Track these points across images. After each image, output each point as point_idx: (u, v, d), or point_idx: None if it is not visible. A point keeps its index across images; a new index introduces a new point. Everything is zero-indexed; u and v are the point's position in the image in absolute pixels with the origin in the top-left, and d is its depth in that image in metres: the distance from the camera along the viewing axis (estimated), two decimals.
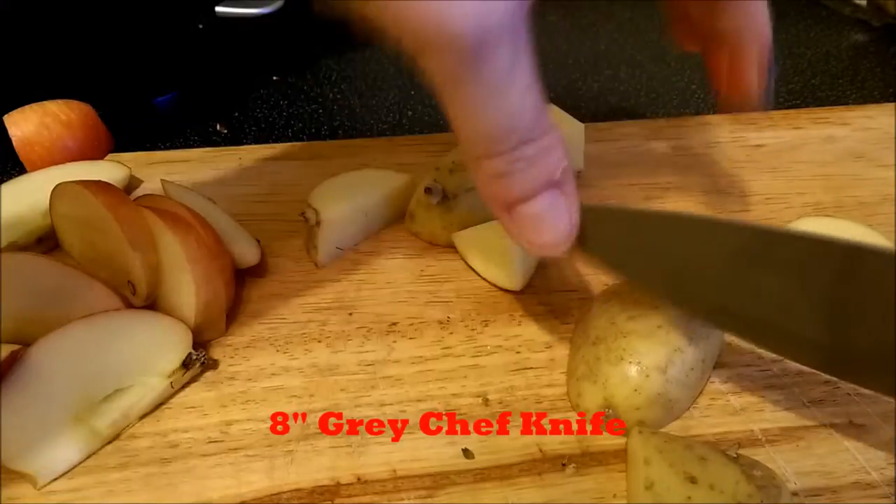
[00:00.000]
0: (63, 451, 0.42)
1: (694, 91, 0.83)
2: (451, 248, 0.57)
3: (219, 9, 0.81)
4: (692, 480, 0.37)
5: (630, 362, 0.43)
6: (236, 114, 0.80)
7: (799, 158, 0.67)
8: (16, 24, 0.68)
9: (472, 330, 0.51)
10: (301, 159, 0.67)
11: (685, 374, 0.43)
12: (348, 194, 0.57)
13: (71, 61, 0.72)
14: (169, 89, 0.81)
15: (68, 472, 0.42)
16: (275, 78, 0.87)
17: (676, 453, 0.39)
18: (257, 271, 0.55)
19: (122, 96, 0.78)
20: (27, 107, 0.62)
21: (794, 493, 0.40)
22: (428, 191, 0.56)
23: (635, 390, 0.43)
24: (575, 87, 0.85)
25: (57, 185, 0.51)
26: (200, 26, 0.81)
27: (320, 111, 0.80)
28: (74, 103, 0.64)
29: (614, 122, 0.72)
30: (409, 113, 0.80)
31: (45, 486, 0.41)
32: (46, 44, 0.70)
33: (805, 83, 0.85)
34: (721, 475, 0.37)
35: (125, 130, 0.72)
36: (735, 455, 0.39)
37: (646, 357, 0.43)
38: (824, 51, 0.93)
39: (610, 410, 0.43)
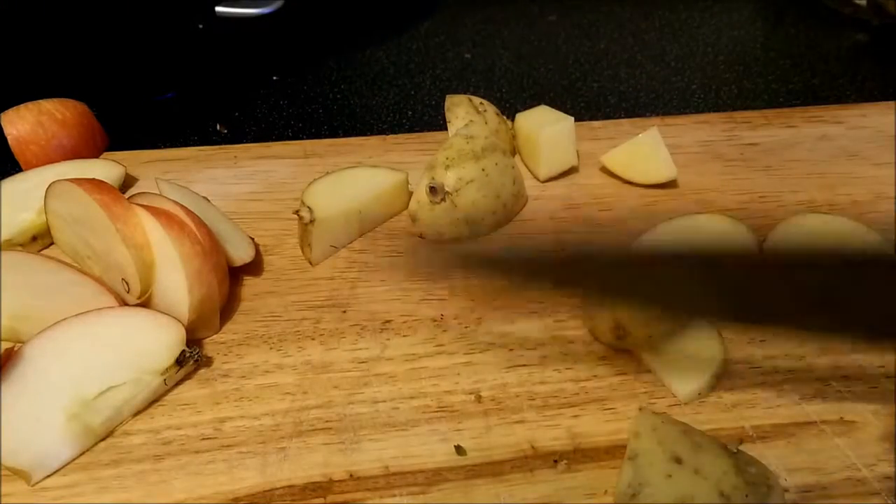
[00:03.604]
0: (57, 448, 0.42)
1: (694, 91, 0.83)
2: (453, 243, 0.58)
3: (219, 9, 0.81)
4: (677, 461, 0.38)
5: None
6: (236, 114, 0.80)
7: (793, 157, 0.67)
8: (16, 23, 0.68)
9: (466, 328, 0.51)
10: (295, 158, 0.68)
11: None
12: (342, 192, 0.57)
13: (71, 61, 0.72)
14: (169, 89, 0.82)
15: (62, 468, 0.42)
16: (275, 78, 0.87)
17: (670, 435, 0.39)
18: (251, 269, 0.55)
19: (123, 96, 0.78)
20: (22, 105, 0.62)
21: (785, 490, 0.40)
22: (432, 190, 0.56)
23: None
24: (575, 87, 0.85)
25: (52, 184, 0.52)
26: (200, 26, 0.81)
27: (320, 111, 0.80)
28: (70, 102, 0.64)
29: (608, 121, 0.72)
30: (409, 113, 0.80)
31: (39, 482, 0.42)
32: (47, 43, 0.70)
33: (805, 83, 0.85)
34: (710, 464, 0.38)
35: (126, 130, 0.72)
36: (735, 450, 0.39)
37: None
38: (824, 51, 0.92)
39: (621, 330, 0.46)
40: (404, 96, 0.83)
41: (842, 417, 0.44)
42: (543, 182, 0.64)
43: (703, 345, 0.47)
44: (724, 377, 0.47)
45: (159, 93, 0.81)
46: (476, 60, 0.92)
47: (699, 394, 0.46)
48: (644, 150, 0.61)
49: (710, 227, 0.53)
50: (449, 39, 0.97)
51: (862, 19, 0.99)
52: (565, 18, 1.03)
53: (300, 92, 0.84)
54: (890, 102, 0.74)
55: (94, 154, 0.66)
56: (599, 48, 0.95)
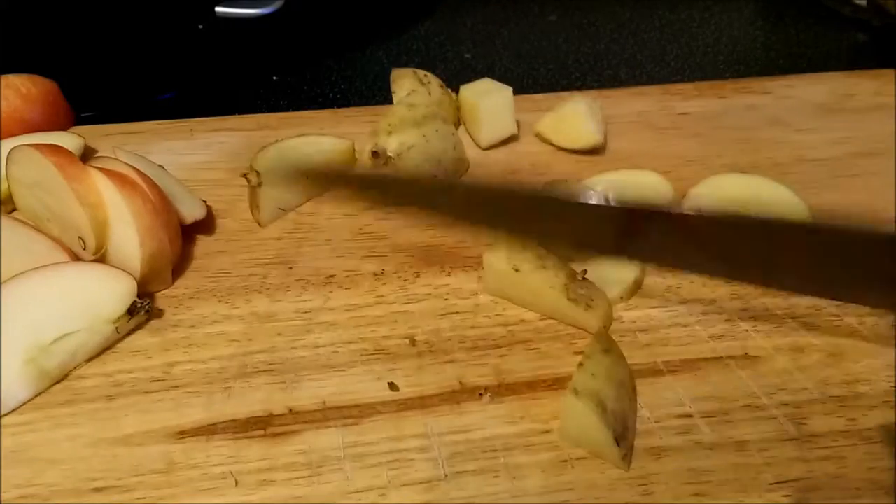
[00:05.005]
0: (14, 389, 0.45)
1: None
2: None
3: (219, 9, 0.81)
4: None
5: None
6: (236, 114, 0.80)
7: (721, 124, 0.70)
8: (16, 23, 0.70)
9: (405, 281, 0.54)
10: (249, 130, 0.71)
11: None
12: (289, 158, 0.60)
13: (71, 61, 0.74)
14: (169, 89, 0.83)
15: (19, 408, 0.45)
16: (275, 78, 0.88)
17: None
18: (204, 230, 0.59)
19: (123, 96, 0.80)
20: None
21: (689, 416, 0.44)
22: (375, 154, 0.59)
23: None
24: (575, 87, 0.85)
25: (12, 149, 0.54)
26: (200, 26, 0.81)
27: None
28: (38, 78, 0.66)
29: (550, 93, 0.76)
30: None
31: None
32: (46, 43, 0.72)
33: None
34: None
35: None
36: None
37: None
38: (824, 51, 0.94)
39: None
40: None
41: (746, 353, 0.48)
42: (485, 149, 0.67)
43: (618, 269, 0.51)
44: (641, 320, 0.50)
45: (159, 93, 0.82)
46: (476, 60, 0.93)
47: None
48: (571, 117, 0.65)
49: (635, 181, 0.56)
50: (449, 39, 0.98)
51: (862, 19, 0.99)
52: (565, 18, 1.04)
53: (300, 92, 0.86)
54: (817, 73, 0.77)
55: (59, 130, 0.68)
56: (599, 48, 0.96)
